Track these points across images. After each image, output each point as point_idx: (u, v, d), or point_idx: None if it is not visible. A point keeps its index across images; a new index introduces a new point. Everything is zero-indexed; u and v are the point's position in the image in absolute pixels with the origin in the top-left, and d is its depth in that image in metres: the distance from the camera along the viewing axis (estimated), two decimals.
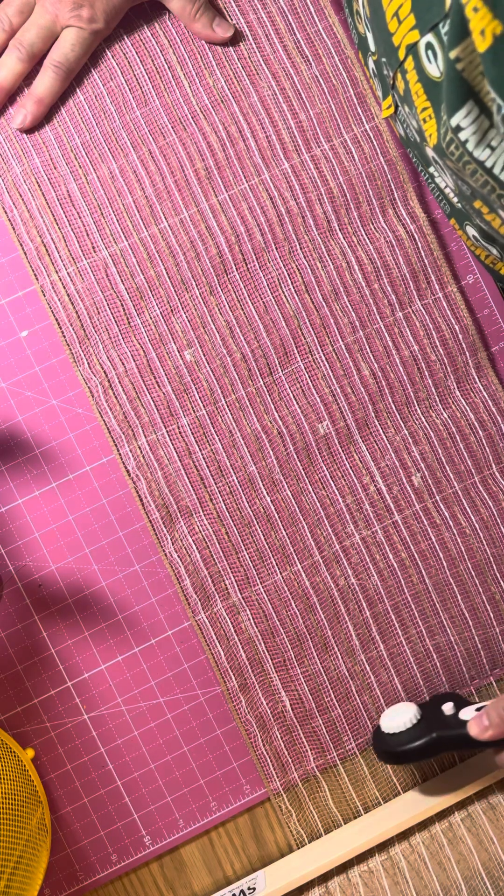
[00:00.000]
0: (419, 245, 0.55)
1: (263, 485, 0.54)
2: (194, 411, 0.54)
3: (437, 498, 0.55)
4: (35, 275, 0.54)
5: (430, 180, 0.51)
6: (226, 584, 0.54)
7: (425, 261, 0.55)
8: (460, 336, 0.55)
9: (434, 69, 0.39)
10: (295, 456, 0.54)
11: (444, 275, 0.55)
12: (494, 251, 0.51)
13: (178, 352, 0.54)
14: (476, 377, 0.56)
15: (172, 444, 0.54)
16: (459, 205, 0.49)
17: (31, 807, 0.52)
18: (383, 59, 0.46)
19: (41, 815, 0.53)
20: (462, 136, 0.38)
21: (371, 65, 0.50)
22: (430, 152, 0.46)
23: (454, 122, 0.38)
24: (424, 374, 0.55)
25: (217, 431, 0.54)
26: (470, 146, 0.38)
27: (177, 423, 0.54)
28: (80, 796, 0.55)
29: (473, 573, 0.55)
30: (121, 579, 0.55)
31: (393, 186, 0.54)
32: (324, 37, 0.54)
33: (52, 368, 0.55)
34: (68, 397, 0.55)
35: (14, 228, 0.54)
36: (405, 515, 0.55)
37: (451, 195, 0.49)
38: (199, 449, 0.54)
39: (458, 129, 0.38)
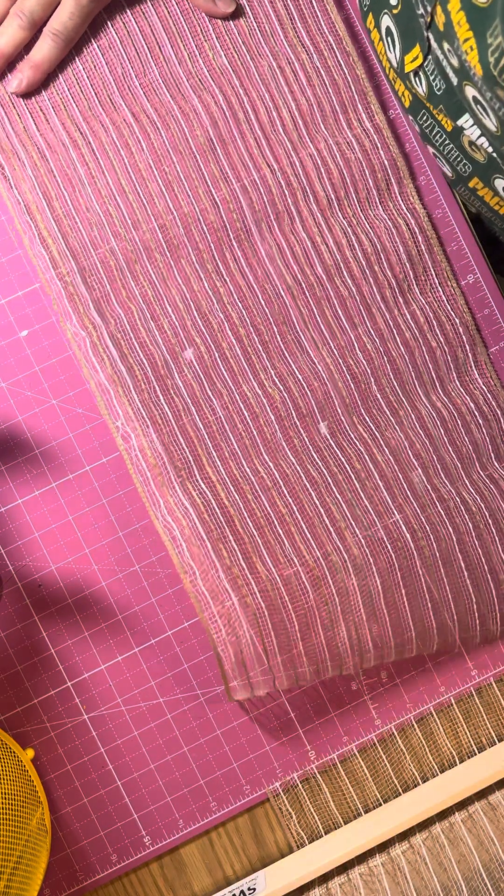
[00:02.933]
0: (418, 239, 0.55)
1: (265, 450, 0.54)
2: (189, 378, 0.54)
3: (440, 471, 0.55)
4: (23, 232, 0.53)
5: (448, 142, 0.51)
6: (226, 553, 0.53)
7: (424, 256, 0.55)
8: (460, 329, 0.55)
9: None
10: (297, 423, 0.54)
11: (442, 270, 0.55)
12: None
13: (177, 321, 0.54)
14: (476, 374, 0.56)
15: (167, 404, 0.53)
16: (494, 153, 0.48)
17: (31, 807, 0.52)
18: None
19: (41, 816, 0.53)
20: None
21: (386, 23, 0.50)
22: (470, 92, 0.45)
23: None
24: (426, 358, 0.55)
25: (214, 394, 0.54)
26: None
27: (172, 382, 0.54)
28: (80, 796, 0.55)
29: (479, 551, 0.55)
30: (121, 579, 0.55)
31: (391, 178, 0.55)
32: (323, 27, 0.54)
33: (52, 368, 0.55)
34: (68, 397, 0.55)
35: (5, 188, 0.53)
36: (415, 493, 0.55)
37: (485, 143, 0.48)
38: (195, 411, 0.54)
39: None
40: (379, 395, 0.55)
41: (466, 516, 0.55)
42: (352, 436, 0.55)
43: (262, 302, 0.54)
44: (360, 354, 0.55)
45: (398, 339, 0.55)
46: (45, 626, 0.54)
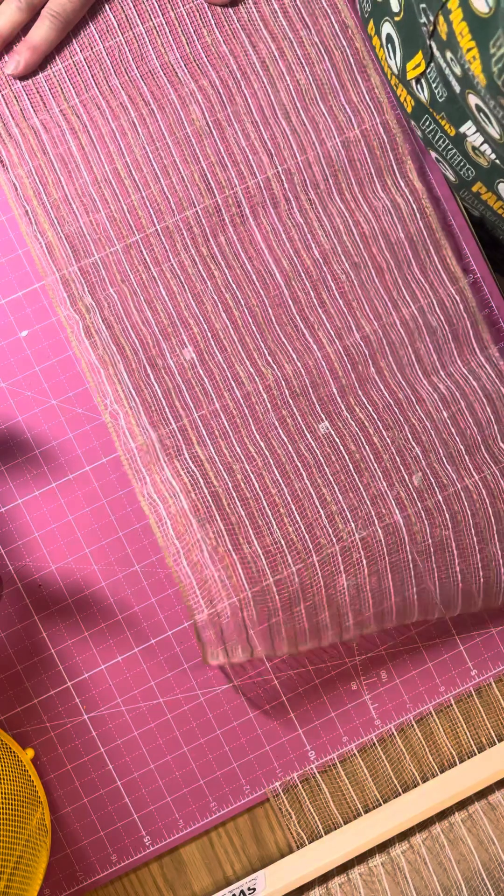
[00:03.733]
0: (416, 217, 0.55)
1: (256, 430, 0.54)
2: (181, 356, 0.54)
3: (442, 457, 0.54)
4: (19, 215, 0.53)
5: (451, 147, 0.51)
6: (212, 532, 0.53)
7: (423, 234, 0.55)
8: (461, 306, 0.55)
9: (482, 4, 0.39)
10: (290, 403, 0.54)
11: (442, 249, 0.55)
12: None
13: (170, 303, 0.54)
14: (479, 352, 0.55)
15: (157, 383, 0.53)
16: (497, 159, 0.48)
17: (31, 807, 0.52)
18: (422, 6, 0.45)
19: (41, 815, 0.53)
20: None
21: (387, 30, 0.50)
22: (473, 100, 0.45)
23: None
24: (426, 340, 0.55)
25: (206, 374, 0.54)
26: None
27: (163, 362, 0.54)
28: (80, 796, 0.55)
29: (475, 539, 0.54)
30: (121, 579, 0.55)
31: (390, 155, 0.55)
32: (323, 3, 0.54)
33: (52, 368, 0.55)
34: (68, 397, 0.55)
35: (0, 170, 0.54)
36: (411, 475, 0.54)
37: (488, 150, 0.49)
38: (186, 390, 0.53)
39: None
40: (377, 378, 0.54)
41: (466, 504, 0.54)
42: (347, 416, 0.54)
43: (257, 284, 0.54)
44: (357, 336, 0.54)
45: (397, 320, 0.55)
46: (45, 626, 0.55)
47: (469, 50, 0.42)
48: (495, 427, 0.55)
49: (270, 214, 0.54)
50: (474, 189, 0.54)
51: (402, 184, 0.55)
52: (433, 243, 0.55)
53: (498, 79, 0.40)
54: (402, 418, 0.54)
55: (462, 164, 0.52)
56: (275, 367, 0.54)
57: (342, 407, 0.54)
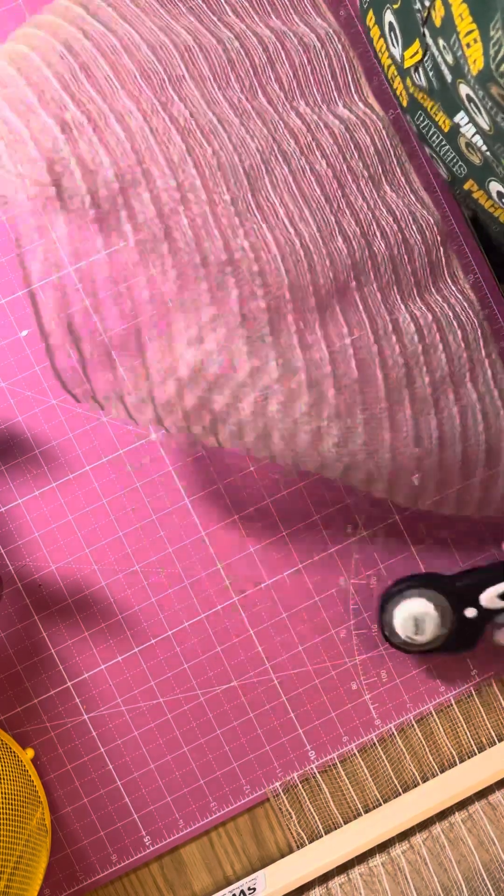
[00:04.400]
0: (383, 136, 0.53)
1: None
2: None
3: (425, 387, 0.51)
4: None
5: (445, 143, 0.51)
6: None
7: (391, 151, 0.53)
8: (435, 229, 0.53)
9: None
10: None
11: (407, 172, 0.54)
12: None
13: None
14: (450, 282, 0.53)
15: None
16: (489, 153, 0.48)
17: (31, 807, 0.52)
18: None
19: (41, 815, 0.53)
20: None
21: (388, 18, 0.50)
22: (464, 90, 0.45)
23: None
24: (405, 259, 0.52)
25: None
26: None
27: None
28: (80, 796, 0.55)
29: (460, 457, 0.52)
30: (121, 579, 0.55)
31: (349, 75, 0.54)
32: None
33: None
34: (68, 397, 0.55)
35: None
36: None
37: (480, 143, 0.48)
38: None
39: None
40: (357, 296, 0.51)
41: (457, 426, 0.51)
42: (318, 334, 0.49)
43: (237, 159, 0.50)
44: (339, 240, 0.50)
45: (377, 231, 0.51)
46: (45, 626, 0.55)
47: (469, 33, 0.41)
48: (465, 355, 0.52)
49: (243, 102, 0.50)
50: (466, 187, 0.53)
51: (358, 100, 0.53)
52: (397, 160, 0.53)
53: (492, 62, 0.40)
54: (383, 331, 0.51)
55: (455, 160, 0.52)
56: (251, 257, 0.48)
57: (313, 322, 0.50)
